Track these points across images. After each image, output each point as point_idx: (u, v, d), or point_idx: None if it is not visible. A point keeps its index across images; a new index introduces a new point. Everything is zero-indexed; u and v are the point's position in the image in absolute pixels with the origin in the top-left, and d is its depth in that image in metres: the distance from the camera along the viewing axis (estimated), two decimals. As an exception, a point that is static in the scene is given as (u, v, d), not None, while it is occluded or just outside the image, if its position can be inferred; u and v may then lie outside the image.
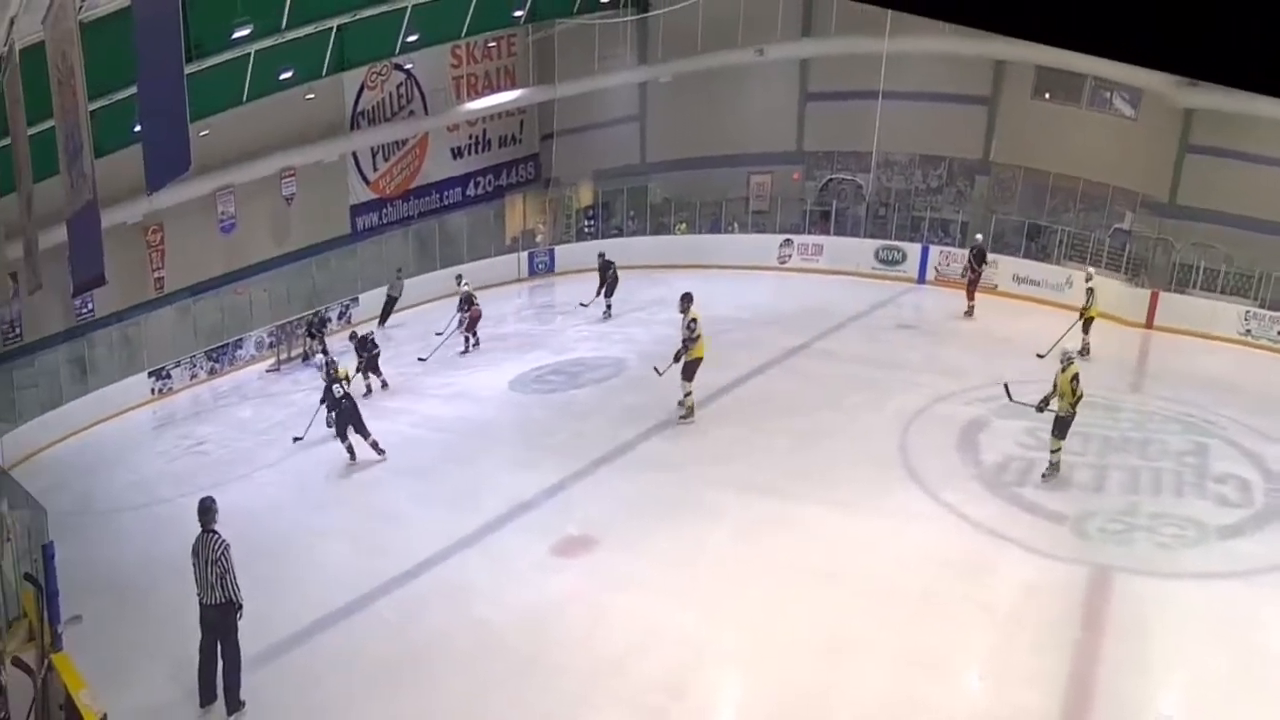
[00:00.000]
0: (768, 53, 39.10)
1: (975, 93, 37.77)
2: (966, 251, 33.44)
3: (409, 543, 19.11)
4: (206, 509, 14.43)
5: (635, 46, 43.81)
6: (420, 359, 33.51)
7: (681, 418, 23.46)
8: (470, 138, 47.02)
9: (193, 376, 37.31)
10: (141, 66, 10.00)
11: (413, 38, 37.84)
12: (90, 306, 36.23)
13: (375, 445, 24.59)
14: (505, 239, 46.06)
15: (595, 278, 35.62)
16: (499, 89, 45.96)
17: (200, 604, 14.25)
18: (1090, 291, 27.74)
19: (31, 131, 15.61)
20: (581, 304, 36.62)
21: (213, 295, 39.24)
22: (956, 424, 22.32)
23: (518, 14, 42.13)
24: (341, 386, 25.17)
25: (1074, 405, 19.76)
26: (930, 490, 19.22)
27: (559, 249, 44.50)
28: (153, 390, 35.54)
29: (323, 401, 26.16)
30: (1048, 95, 36.03)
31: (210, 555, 14.03)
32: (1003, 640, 14.39)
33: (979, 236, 33.20)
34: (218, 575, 14.02)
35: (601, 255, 36.93)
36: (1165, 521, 17.67)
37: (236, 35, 29.64)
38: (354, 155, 43.13)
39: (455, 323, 34.45)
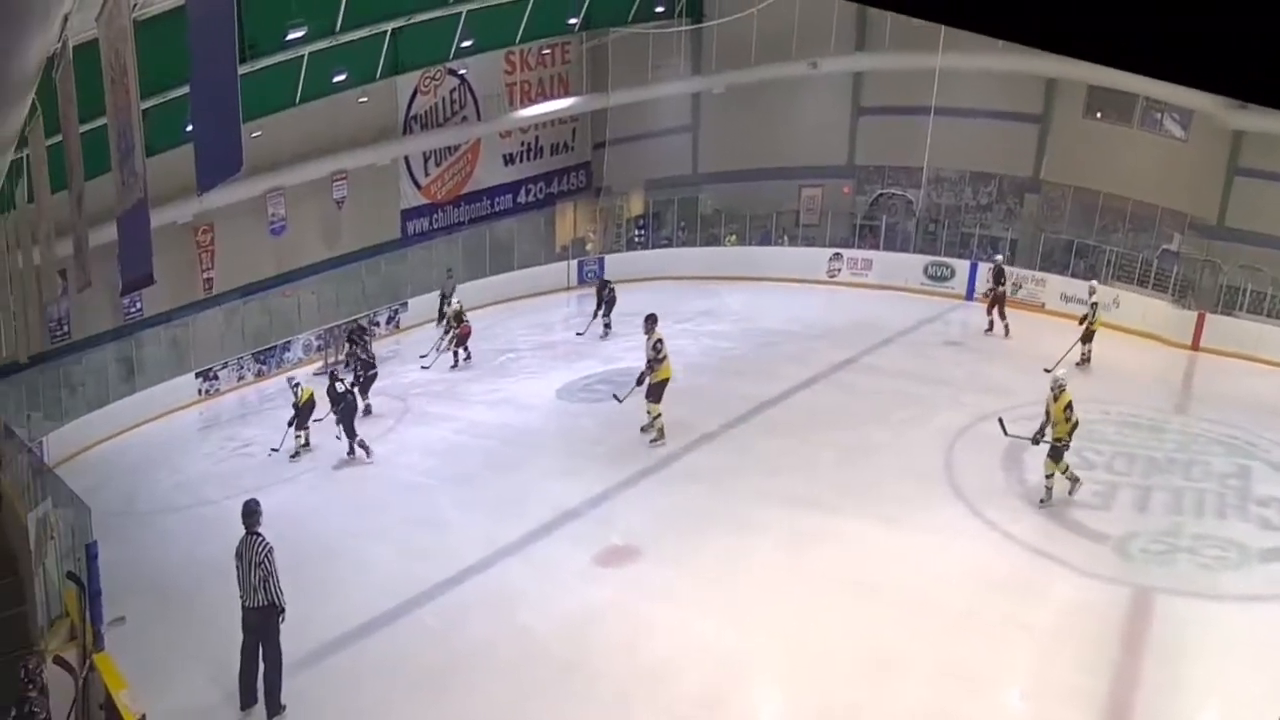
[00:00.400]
0: (821, 66, 39.04)
1: (1027, 110, 37.65)
2: (988, 269, 33.34)
3: (452, 549, 19.25)
4: (251, 511, 14.59)
5: (689, 56, 43.85)
6: (423, 366, 33.87)
7: (652, 440, 23.07)
8: (522, 144, 47.12)
9: (240, 378, 37.48)
10: (194, 66, 10.06)
11: (467, 43, 37.87)
12: (139, 306, 36.37)
13: (364, 445, 25.51)
14: (555, 247, 46.14)
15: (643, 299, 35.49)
16: (552, 96, 46.06)
17: (242, 606, 14.36)
18: (1094, 306, 28.20)
19: (83, 129, 15.69)
20: (578, 334, 36.41)
21: (261, 297, 39.41)
22: (1001, 442, 22.16)
23: (572, 21, 42.15)
24: (343, 383, 25.62)
25: (1069, 433, 19.79)
26: (974, 507, 19.26)
27: (609, 258, 44.48)
28: (199, 391, 35.71)
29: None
30: (1099, 114, 35.90)
31: (254, 558, 14.14)
32: (1042, 659, 14.41)
33: (999, 256, 33.14)
34: (260, 578, 14.12)
35: (601, 279, 37.84)
36: (1207, 543, 17.67)
37: (291, 37, 29.75)
38: (406, 159, 43.27)
39: (443, 341, 34.85)
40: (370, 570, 18.84)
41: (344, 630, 16.71)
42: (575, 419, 27.16)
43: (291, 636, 15.29)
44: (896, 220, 40.55)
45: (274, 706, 14.39)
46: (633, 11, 42.87)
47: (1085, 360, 27.45)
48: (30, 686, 12.27)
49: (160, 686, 14.75)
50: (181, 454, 30.03)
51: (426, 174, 44.08)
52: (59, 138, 16.29)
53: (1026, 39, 2.72)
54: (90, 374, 35.52)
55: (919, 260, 38.22)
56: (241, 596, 14.29)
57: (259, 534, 14.36)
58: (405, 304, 41.12)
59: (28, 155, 19.48)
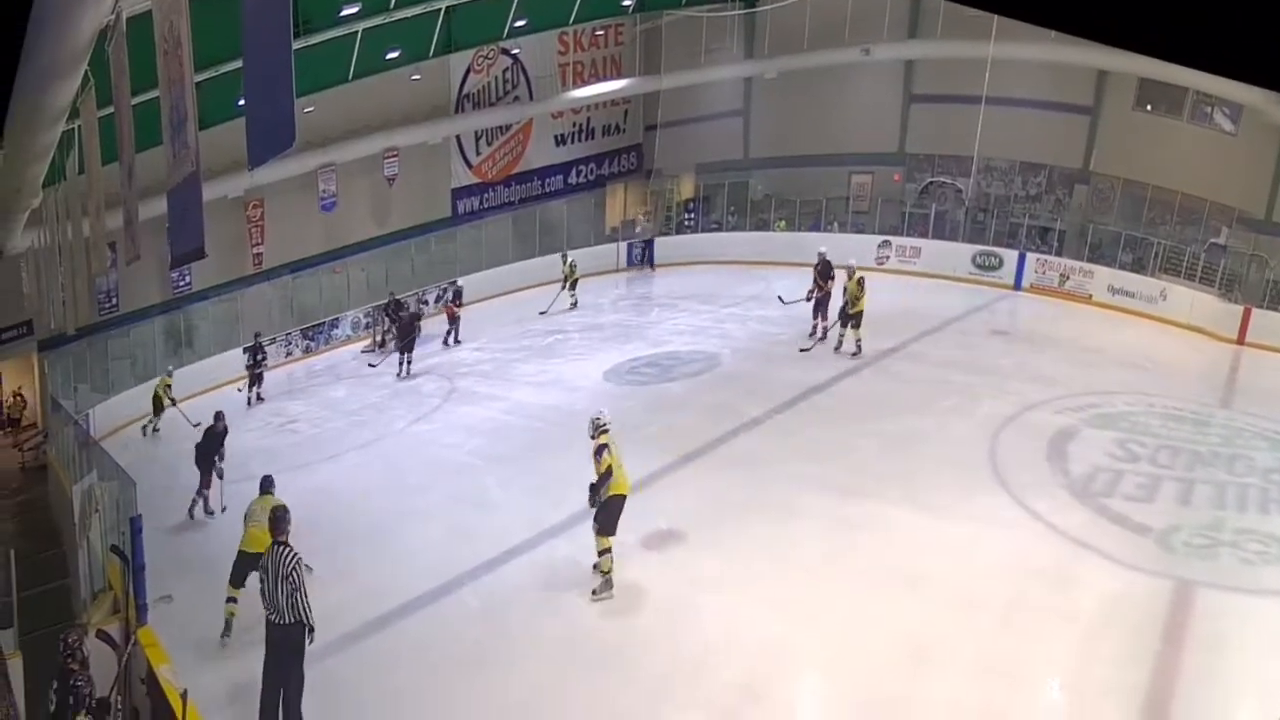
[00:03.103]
0: (873, 53, 38.99)
1: (1078, 102, 37.52)
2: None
3: (497, 530, 19.27)
4: (278, 519, 13.46)
5: (742, 41, 43.88)
6: (541, 312, 34.91)
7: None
8: (574, 125, 47.37)
9: (288, 354, 37.81)
10: (248, 40, 10.03)
11: (521, 23, 37.96)
12: (188, 280, 36.71)
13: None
14: (605, 228, 46.23)
15: (693, 272, 35.56)
16: (605, 78, 46.24)
17: (267, 622, 13.28)
18: (860, 283, 28.33)
19: (135, 101, 15.69)
20: (540, 312, 37.90)
21: (310, 273, 39.73)
22: (1046, 433, 22.21)
23: (626, 3, 42.28)
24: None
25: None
26: (1018, 498, 19.16)
27: (657, 241, 44.54)
28: (247, 366, 35.79)
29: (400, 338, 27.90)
30: (1149, 107, 35.74)
31: (281, 570, 12.93)
32: (1083, 651, 14.32)
33: (822, 249, 31.56)
34: (288, 593, 12.90)
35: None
36: (1250, 538, 17.55)
37: (345, 13, 29.90)
38: (457, 138, 43.59)
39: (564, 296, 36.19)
40: (413, 550, 18.87)
41: (385, 610, 16.76)
42: (622, 401, 26.96)
43: (333, 615, 15.29)
44: (946, 209, 40.49)
45: None
46: (687, -5, 42.98)
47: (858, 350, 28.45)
48: (71, 660, 12.33)
49: (201, 662, 14.79)
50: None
51: (478, 153, 44.29)
52: (111, 109, 16.31)
53: (1080, 30, 2.77)
54: (138, 347, 35.96)
55: (968, 249, 38.17)
56: (267, 611, 13.20)
57: (286, 544, 13.20)
58: (455, 282, 40.93)
59: (79, 126, 19.52)
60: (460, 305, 37.03)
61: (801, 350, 29.32)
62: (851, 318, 28.10)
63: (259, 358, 34.17)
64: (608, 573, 16.59)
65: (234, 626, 16.57)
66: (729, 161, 46.06)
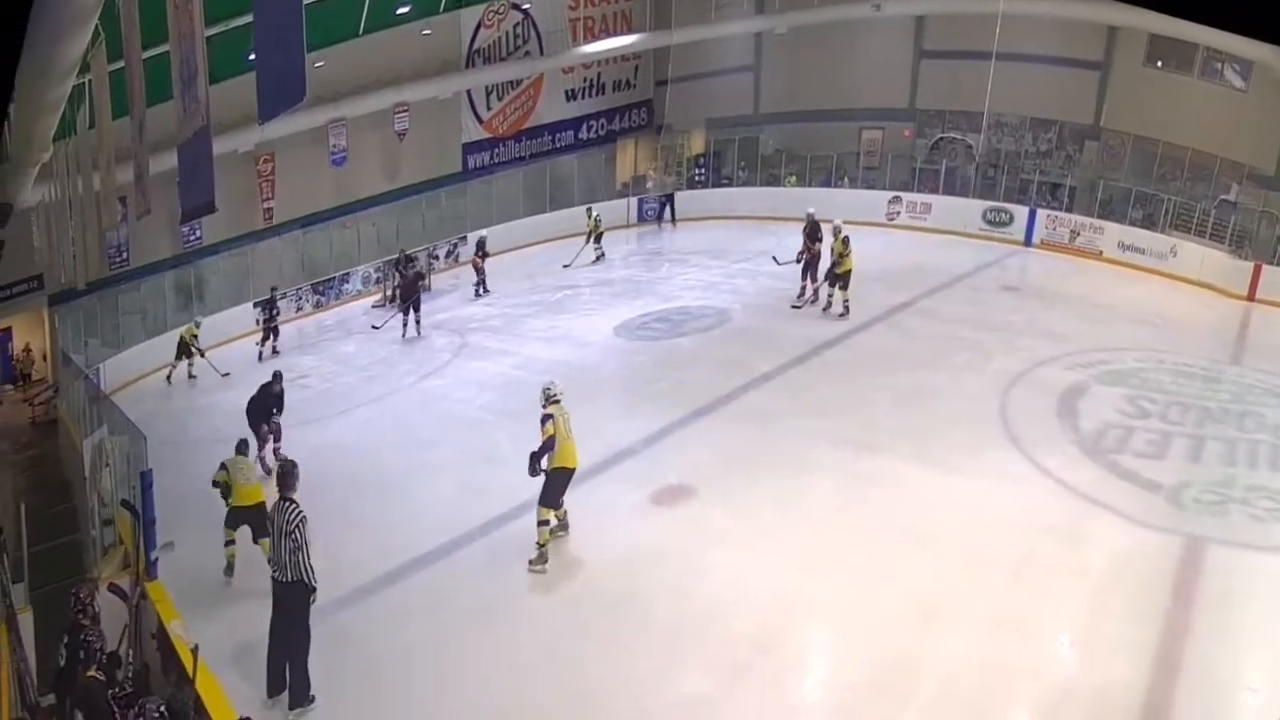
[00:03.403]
0: (884, 8, 38.80)
1: (1088, 58, 37.36)
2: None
3: (507, 485, 18.91)
4: (286, 473, 13.40)
5: (752, -4, 43.70)
6: (564, 265, 35.23)
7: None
8: (585, 81, 47.19)
9: (298, 309, 37.68)
10: (258, -7, 10.04)
11: (532, -23, 37.91)
12: (198, 234, 36.65)
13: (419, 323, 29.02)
14: (615, 184, 46.21)
15: (707, 228, 35.41)
16: (615, 33, 46.02)
17: (271, 578, 13.28)
18: (845, 242, 27.74)
19: (146, 55, 15.63)
20: (564, 265, 38.65)
21: (321, 228, 39.73)
22: (1057, 389, 22.19)
23: (637, -43, 42.21)
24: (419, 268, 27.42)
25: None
26: (1028, 454, 19.13)
27: (672, 192, 44.54)
28: (257, 321, 35.64)
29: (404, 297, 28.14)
30: (1160, 63, 35.57)
31: (285, 527, 12.88)
32: (1094, 607, 14.32)
33: (811, 209, 30.81)
34: (290, 550, 12.85)
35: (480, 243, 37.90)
36: (1260, 494, 17.51)
37: (356, -33, 29.87)
38: (468, 93, 43.38)
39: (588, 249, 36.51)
40: (424, 505, 18.83)
41: (396, 564, 16.78)
42: (632, 357, 27.17)
43: (343, 571, 15.43)
44: (956, 165, 40.39)
45: (299, 697, 13.20)
46: (697, -51, 42.84)
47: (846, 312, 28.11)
48: (82, 615, 12.33)
49: (210, 617, 14.74)
50: (238, 383, 30.22)
51: (488, 108, 44.14)
52: (121, 64, 16.26)
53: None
54: (148, 301, 35.94)
55: (978, 205, 38.17)
56: (273, 568, 13.25)
57: (293, 500, 13.10)
58: (465, 238, 41.14)
59: (90, 81, 19.49)
60: (486, 257, 36.94)
61: (793, 307, 29.40)
62: (839, 278, 27.81)
63: (274, 311, 34.25)
64: (543, 545, 16.33)
65: (236, 569, 16.90)
66: (740, 117, 45.99)
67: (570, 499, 17.53)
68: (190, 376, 32.45)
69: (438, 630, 14.83)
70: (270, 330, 33.94)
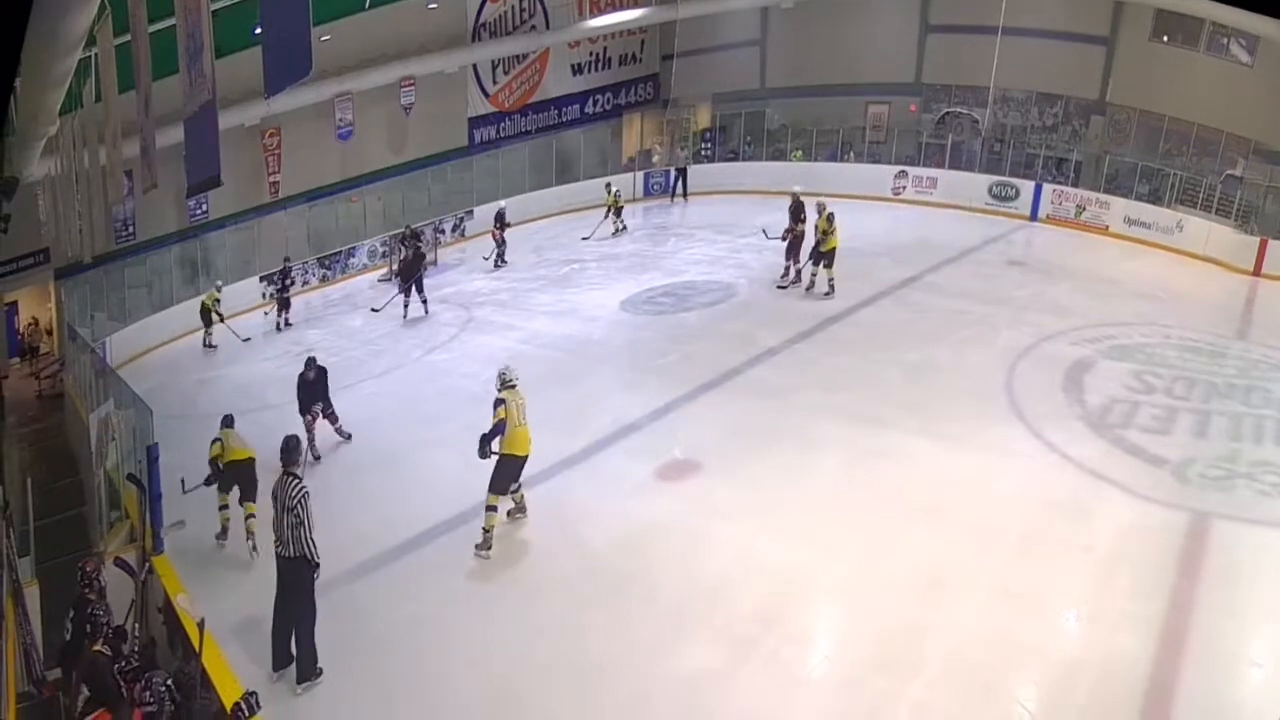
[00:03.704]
0: (890, -19, 38.89)
1: (1094, 32, 37.23)
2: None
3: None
4: (290, 448, 13.42)
5: (758, -31, 43.58)
6: (583, 238, 34.87)
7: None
8: (591, 55, 46.98)
9: (304, 283, 37.54)
10: (264, -33, 10.01)
11: (538, -50, 37.82)
12: (204, 208, 36.54)
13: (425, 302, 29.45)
14: (622, 158, 46.18)
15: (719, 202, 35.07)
16: (622, 7, 45.66)
17: (276, 555, 13.18)
18: (829, 219, 27.43)
19: (152, 29, 15.56)
20: (583, 238, 38.35)
21: (327, 202, 39.69)
22: (1063, 364, 22.18)
23: (643, -69, 42.08)
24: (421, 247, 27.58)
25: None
26: (1034, 429, 19.12)
27: (675, 170, 44.46)
28: (263, 295, 35.74)
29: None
30: (1165, 38, 35.45)
31: (286, 503, 12.88)
32: (1099, 582, 14.31)
33: (796, 187, 30.62)
34: (292, 525, 12.84)
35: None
36: (1266, 470, 17.48)
37: (363, -59, 29.78)
38: (474, 67, 43.15)
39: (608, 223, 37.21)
40: (429, 480, 18.76)
41: (401, 539, 16.78)
42: (638, 331, 27.15)
43: (348, 546, 15.47)
44: (962, 139, 40.27)
45: (306, 671, 13.16)
46: (704, -77, 42.74)
47: (829, 290, 27.74)
48: (89, 589, 12.32)
49: (217, 593, 14.72)
50: (244, 357, 30.19)
51: (494, 82, 43.98)
52: (127, 37, 16.21)
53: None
54: (154, 275, 35.88)
55: (984, 179, 38.09)
56: (275, 543, 13.12)
57: (296, 475, 13.16)
58: (471, 212, 41.31)
59: (96, 54, 19.45)
60: (506, 228, 36.93)
61: (778, 287, 29.28)
62: (823, 256, 27.57)
63: (287, 283, 34.28)
64: (488, 530, 16.20)
65: (245, 552, 16.77)
66: (745, 91, 45.87)
67: (573, 473, 17.55)
68: (207, 346, 32.68)
69: (443, 604, 14.82)
70: (284, 302, 33.91)
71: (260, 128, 36.70)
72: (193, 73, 12.22)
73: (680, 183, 44.13)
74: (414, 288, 31.58)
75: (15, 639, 12.27)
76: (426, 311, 31.51)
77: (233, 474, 17.57)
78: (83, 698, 10.33)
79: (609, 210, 38.49)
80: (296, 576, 12.96)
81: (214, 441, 17.73)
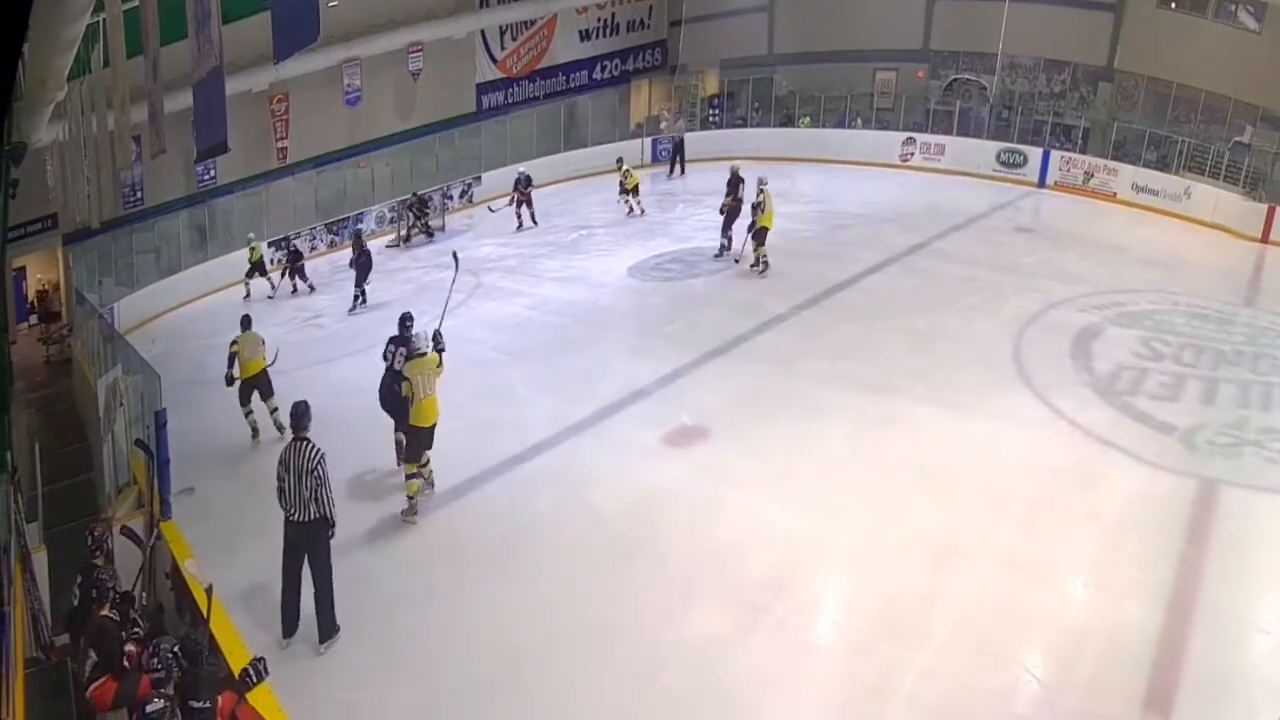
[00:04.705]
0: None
1: (1102, -1, 37.21)
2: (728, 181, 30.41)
3: (521, 426, 19.20)
4: (300, 413, 13.20)
5: (766, -66, 43.48)
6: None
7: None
8: (599, 21, 46.82)
9: (312, 249, 37.47)
10: (272, -68, 9.97)
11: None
12: (212, 174, 36.52)
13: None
14: (630, 124, 46.07)
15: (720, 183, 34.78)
16: (629, -28, 45.70)
17: (287, 521, 13.04)
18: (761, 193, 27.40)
19: (160, -7, 15.61)
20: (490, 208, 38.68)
21: (335, 168, 39.63)
22: (1070, 331, 22.20)
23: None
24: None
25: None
26: (1042, 396, 19.13)
27: (683, 137, 44.37)
28: (272, 261, 35.53)
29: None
30: (1173, 4, 35.39)
31: (305, 465, 12.70)
32: (1107, 549, 14.30)
33: (735, 164, 30.99)
34: (312, 487, 12.71)
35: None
36: (1274, 437, 17.47)
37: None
38: (482, 33, 43.00)
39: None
40: (438, 446, 18.46)
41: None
42: (646, 297, 27.10)
43: (358, 514, 15.49)
44: (970, 106, 40.20)
45: (327, 629, 13.16)
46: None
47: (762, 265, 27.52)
48: (97, 554, 12.30)
49: (226, 559, 14.61)
50: (254, 323, 30.24)
51: (502, 48, 43.85)
52: (135, 2, 16.16)
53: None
54: (162, 241, 35.87)
55: (992, 146, 38.06)
56: (288, 510, 12.94)
57: (308, 439, 12.97)
58: (479, 178, 41.23)
59: (104, 19, 19.41)
60: (528, 188, 36.84)
61: (715, 257, 29.44)
62: (758, 233, 27.52)
63: (291, 252, 34.40)
64: (412, 497, 16.27)
65: (262, 515, 16.68)
66: (753, 57, 45.72)
67: (582, 440, 17.55)
68: (246, 297, 33.12)
69: (452, 570, 14.77)
70: (295, 272, 33.87)
71: (268, 93, 36.65)
72: (201, 38, 12.18)
73: (679, 157, 43.56)
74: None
75: (23, 604, 12.22)
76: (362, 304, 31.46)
77: (249, 384, 20.25)
78: (90, 663, 10.30)
79: (623, 190, 37.37)
80: (314, 539, 12.93)
81: (232, 342, 20.21)
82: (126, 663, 10.11)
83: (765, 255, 27.41)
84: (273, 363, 18.72)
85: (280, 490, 12.88)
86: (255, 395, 20.32)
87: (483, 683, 12.20)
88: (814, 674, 12.11)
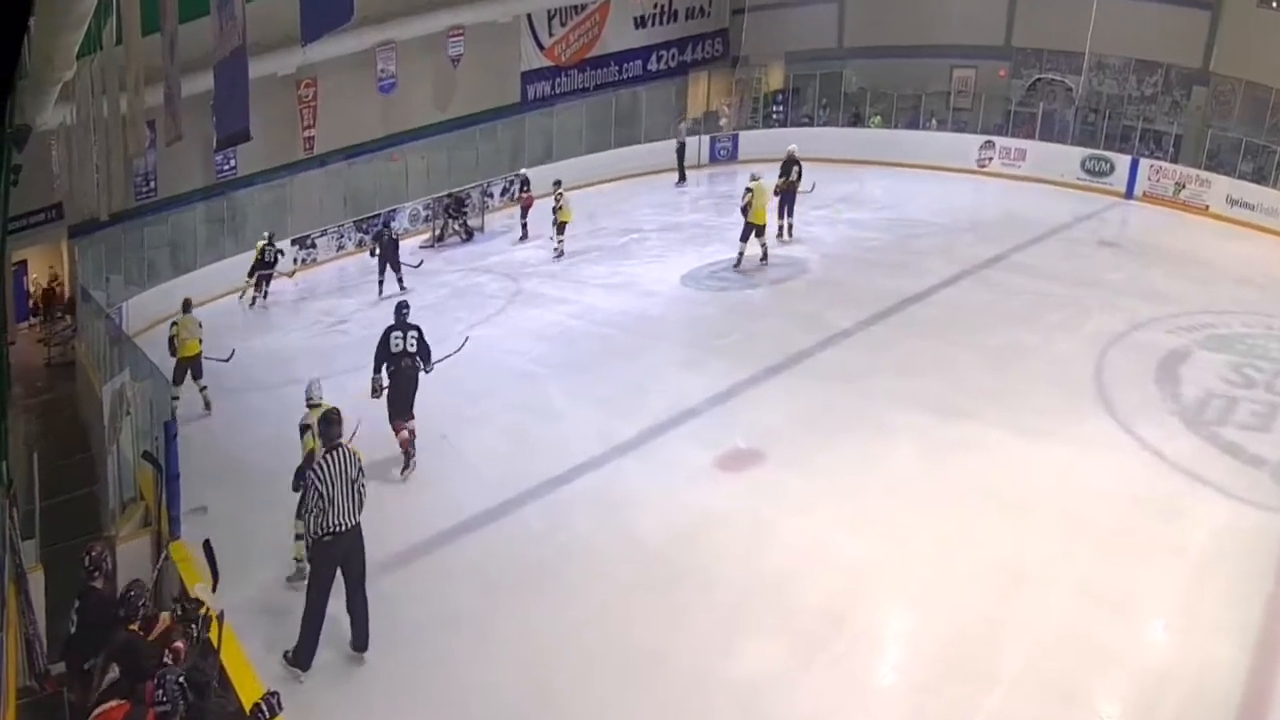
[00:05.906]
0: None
1: (1198, -4, 37.12)
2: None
3: (562, 444, 19.26)
4: (331, 422, 13.17)
5: (838, -81, 43.52)
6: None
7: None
8: (656, 6, 46.95)
9: (339, 248, 37.81)
10: (302, -97, 10.03)
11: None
12: (232, 164, 36.78)
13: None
14: (680, 120, 46.00)
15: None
16: (690, -45, 45.79)
17: (331, 533, 12.81)
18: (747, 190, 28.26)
19: (179, -34, 15.68)
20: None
21: (366, 160, 39.79)
22: (1156, 353, 22.10)
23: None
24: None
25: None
26: (1124, 422, 19.08)
27: (743, 135, 44.36)
28: (295, 260, 35.88)
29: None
30: (1275, 4, 35.09)
31: (348, 473, 12.72)
32: (1192, 587, 14.30)
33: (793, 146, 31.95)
34: (361, 491, 12.88)
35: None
36: (1371, 473, 17.51)
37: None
38: (529, 17, 43.18)
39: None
40: (472, 463, 18.72)
41: (441, 527, 16.82)
42: (700, 308, 27.19)
43: (387, 534, 15.35)
44: (1054, 108, 40.08)
45: (366, 638, 13.35)
46: None
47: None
48: (96, 575, 12.26)
49: (237, 579, 14.64)
50: (273, 327, 30.31)
51: (550, 34, 44.05)
52: (153, -28, 16.27)
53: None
54: (177, 235, 36.01)
55: (1077, 152, 37.90)
56: (336, 525, 12.76)
57: (341, 445, 12.97)
58: (524, 174, 40.72)
59: (118, -8, 19.53)
60: (528, 190, 37.21)
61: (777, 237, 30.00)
62: (744, 232, 28.35)
63: (271, 258, 34.34)
64: (300, 560, 15.20)
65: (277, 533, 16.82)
66: (821, 50, 45.62)
67: (627, 460, 17.73)
68: (251, 305, 33.51)
69: (486, 596, 14.82)
70: (264, 278, 34.07)
71: (295, 78, 36.86)
72: (223, 15, 12.32)
73: (682, 163, 43.25)
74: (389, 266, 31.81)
75: (17, 629, 12.24)
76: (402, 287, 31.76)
77: (183, 365, 23.27)
78: (109, 678, 10.38)
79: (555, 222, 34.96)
80: (358, 542, 13.01)
81: (171, 324, 22.57)
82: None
83: (743, 252, 28.40)
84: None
85: (323, 510, 12.73)
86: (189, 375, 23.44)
87: (511, 716, 12.32)
88: (873, 715, 12.19)
